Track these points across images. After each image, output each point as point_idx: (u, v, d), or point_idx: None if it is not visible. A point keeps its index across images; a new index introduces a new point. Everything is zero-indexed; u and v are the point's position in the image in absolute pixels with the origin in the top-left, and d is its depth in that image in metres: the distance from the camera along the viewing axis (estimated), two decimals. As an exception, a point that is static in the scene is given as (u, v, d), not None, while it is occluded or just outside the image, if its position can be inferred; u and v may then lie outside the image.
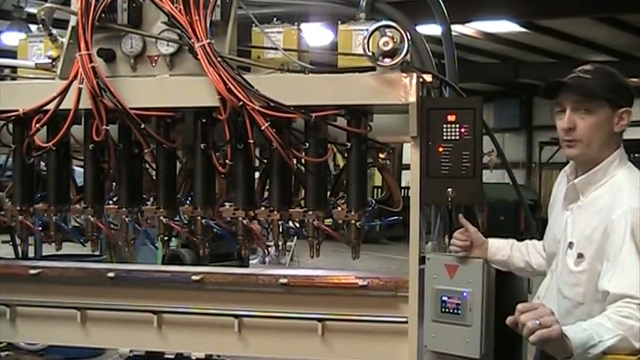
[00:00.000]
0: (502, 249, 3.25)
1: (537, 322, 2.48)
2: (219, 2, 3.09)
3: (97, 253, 4.91)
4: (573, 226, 2.98)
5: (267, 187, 3.24)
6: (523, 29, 15.27)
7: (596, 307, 2.81)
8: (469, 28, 15.07)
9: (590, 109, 2.94)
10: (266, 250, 3.33)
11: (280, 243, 3.21)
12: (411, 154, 3.03)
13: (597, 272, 2.83)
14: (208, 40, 3.01)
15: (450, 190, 3.00)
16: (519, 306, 2.56)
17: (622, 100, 2.94)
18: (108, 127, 3.12)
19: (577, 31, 15.67)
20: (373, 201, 3.23)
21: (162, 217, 3.26)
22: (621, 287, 2.69)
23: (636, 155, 13.67)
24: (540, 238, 3.32)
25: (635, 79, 16.48)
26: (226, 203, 3.23)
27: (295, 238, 3.40)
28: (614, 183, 2.91)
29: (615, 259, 2.75)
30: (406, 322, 3.04)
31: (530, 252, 3.29)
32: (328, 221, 3.17)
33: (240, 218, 3.18)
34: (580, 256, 2.89)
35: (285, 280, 3.23)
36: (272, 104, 2.98)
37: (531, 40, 16.55)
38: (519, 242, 3.32)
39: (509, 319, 2.60)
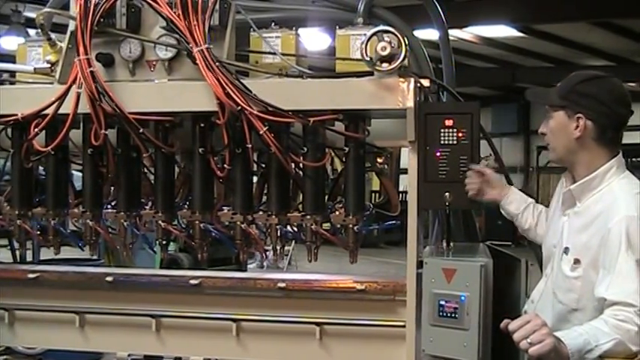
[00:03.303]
0: (518, 203, 3.27)
1: (528, 341, 2.51)
2: (217, 7, 3.10)
3: (95, 257, 4.93)
4: (569, 231, 2.99)
5: (265, 192, 3.25)
6: (521, 34, 15.30)
7: (590, 314, 2.82)
8: (467, 33, 15.09)
9: (551, 116, 3.01)
10: (264, 255, 3.34)
11: (278, 247, 3.21)
12: (408, 158, 3.04)
13: (591, 279, 2.84)
14: (207, 45, 3.02)
15: (447, 194, 3.01)
16: (510, 327, 2.58)
17: (578, 106, 2.93)
18: (106, 132, 3.13)
19: (574, 36, 15.69)
20: (371, 205, 3.24)
21: (160, 222, 3.26)
22: (619, 295, 2.70)
23: (634, 160, 13.67)
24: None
25: (633, 84, 16.53)
26: (224, 207, 3.23)
27: (293, 242, 3.40)
28: (609, 191, 2.92)
29: (612, 268, 2.76)
30: (404, 326, 3.05)
31: (541, 219, 3.30)
32: (326, 225, 3.17)
33: (239, 222, 3.18)
34: (576, 262, 2.90)
35: (283, 285, 3.24)
36: (270, 109, 2.98)
37: (529, 45, 16.58)
38: (536, 204, 3.34)
39: (502, 325, 2.61)
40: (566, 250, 2.96)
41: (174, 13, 3.08)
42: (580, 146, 2.95)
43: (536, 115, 22.79)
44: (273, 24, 3.28)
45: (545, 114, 3.08)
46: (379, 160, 3.26)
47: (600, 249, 2.83)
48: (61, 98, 3.15)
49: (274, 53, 3.20)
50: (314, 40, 3.65)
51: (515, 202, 3.25)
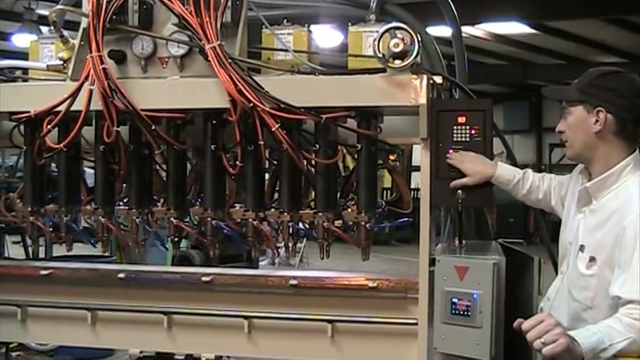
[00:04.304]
0: (512, 170, 3.20)
1: (541, 341, 2.50)
2: (229, 4, 3.10)
3: (107, 254, 4.94)
4: (585, 229, 2.98)
5: (277, 189, 3.25)
6: (533, 31, 15.24)
7: (605, 312, 2.81)
8: (479, 30, 15.05)
9: (569, 112, 3.00)
10: (276, 252, 3.33)
11: (290, 244, 3.21)
12: (421, 155, 3.03)
13: (606, 277, 2.83)
14: (219, 42, 3.01)
15: (459, 191, 3.00)
16: (523, 326, 2.57)
17: (598, 100, 2.93)
18: (118, 129, 3.13)
19: (587, 33, 15.62)
20: (383, 202, 3.23)
21: (172, 219, 3.27)
22: (633, 294, 2.69)
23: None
24: (552, 239, 3.32)
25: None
26: (236, 205, 3.23)
27: (305, 239, 3.40)
28: (625, 189, 2.91)
29: (626, 266, 2.74)
30: (416, 324, 3.04)
31: (539, 187, 3.27)
32: (338, 223, 3.17)
33: (250, 220, 3.18)
34: (592, 259, 2.89)
35: (294, 282, 3.24)
36: (282, 106, 2.98)
37: (541, 42, 16.52)
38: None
39: (515, 324, 2.60)
40: (581, 248, 2.95)
41: (187, 9, 3.08)
42: (599, 141, 2.94)
43: (549, 112, 22.74)
44: (285, 21, 3.28)
45: (562, 111, 3.07)
46: (391, 157, 3.26)
47: (615, 247, 2.82)
48: (74, 95, 3.15)
49: (286, 50, 3.20)
50: (326, 37, 3.63)
51: (509, 170, 3.20)
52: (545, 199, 3.27)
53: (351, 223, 3.15)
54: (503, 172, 3.13)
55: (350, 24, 3.20)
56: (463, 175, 3.01)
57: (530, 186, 3.23)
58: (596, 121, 2.92)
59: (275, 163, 3.23)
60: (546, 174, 3.34)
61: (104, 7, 3.11)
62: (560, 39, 15.95)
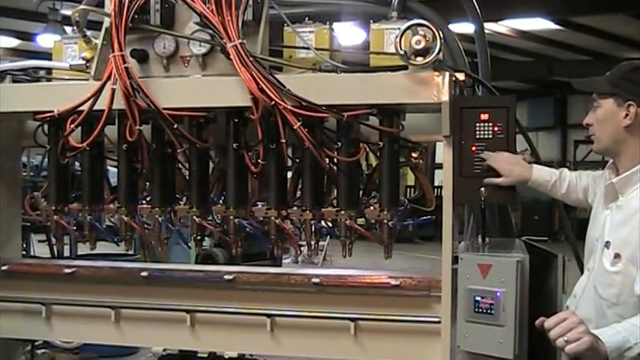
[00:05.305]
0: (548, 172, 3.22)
1: (565, 339, 2.47)
2: (251, 2, 3.10)
3: (130, 252, 4.96)
4: (611, 225, 2.95)
5: (299, 187, 3.25)
6: (557, 26, 15.15)
7: (630, 309, 2.78)
8: (502, 26, 14.98)
9: (599, 105, 2.99)
10: (299, 250, 3.34)
11: (313, 242, 3.21)
12: (443, 153, 3.02)
13: (631, 274, 2.80)
14: (240, 40, 3.01)
15: (482, 189, 2.98)
16: (546, 324, 2.54)
17: (629, 93, 2.91)
18: (141, 128, 3.14)
19: (612, 28, 15.51)
20: (406, 200, 3.22)
21: (195, 217, 3.27)
22: None
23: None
24: (577, 237, 3.29)
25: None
26: (259, 203, 3.23)
27: (328, 237, 3.39)
28: None
29: None
30: (439, 322, 3.03)
31: (577, 184, 3.27)
32: (361, 221, 3.16)
33: (273, 218, 3.18)
34: (617, 256, 2.86)
35: (317, 280, 3.23)
36: (304, 104, 2.98)
37: (565, 38, 16.42)
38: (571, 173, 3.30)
39: (537, 323, 2.58)
40: (607, 245, 2.93)
41: (208, 8, 3.08)
42: (628, 135, 2.92)
43: (574, 108, 22.59)
44: (306, 19, 3.27)
45: (592, 104, 3.04)
46: (414, 154, 3.24)
47: (638, 244, 2.79)
48: (96, 94, 3.17)
49: (308, 48, 3.19)
50: (348, 34, 3.62)
51: (544, 171, 3.21)
52: (585, 198, 3.26)
53: (373, 221, 3.14)
54: (539, 174, 3.13)
55: (372, 21, 3.19)
56: (487, 173, 2.98)
57: (568, 185, 3.23)
58: (626, 115, 2.91)
59: (297, 161, 3.23)
60: (582, 171, 3.31)
61: (126, 6, 3.12)
62: (585, 34, 15.86)
